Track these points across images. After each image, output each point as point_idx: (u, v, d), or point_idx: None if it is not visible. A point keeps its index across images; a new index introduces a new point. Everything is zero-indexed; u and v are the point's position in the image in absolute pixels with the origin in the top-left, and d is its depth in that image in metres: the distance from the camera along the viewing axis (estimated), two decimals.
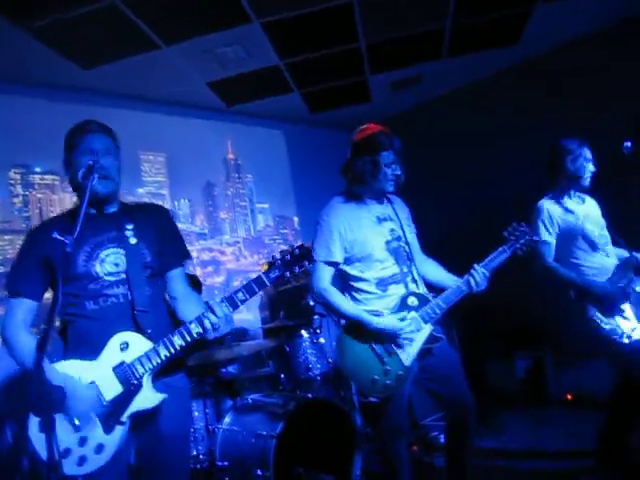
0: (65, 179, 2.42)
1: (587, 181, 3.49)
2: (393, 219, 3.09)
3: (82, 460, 2.05)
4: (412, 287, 2.98)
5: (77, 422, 2.05)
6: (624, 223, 3.56)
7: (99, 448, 2.08)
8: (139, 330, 2.25)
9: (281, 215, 7.06)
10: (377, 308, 2.91)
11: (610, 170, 3.53)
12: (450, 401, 2.97)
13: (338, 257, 2.95)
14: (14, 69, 4.70)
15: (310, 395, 3.89)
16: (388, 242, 2.98)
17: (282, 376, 4.36)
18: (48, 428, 1.77)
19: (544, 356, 5.44)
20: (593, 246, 3.44)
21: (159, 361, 2.20)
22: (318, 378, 4.46)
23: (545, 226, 3.47)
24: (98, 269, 2.26)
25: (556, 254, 3.49)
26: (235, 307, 2.31)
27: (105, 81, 5.22)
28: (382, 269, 2.95)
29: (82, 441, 2.06)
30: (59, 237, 2.13)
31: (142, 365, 2.18)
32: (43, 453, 1.87)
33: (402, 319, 2.86)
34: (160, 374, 2.28)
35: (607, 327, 3.23)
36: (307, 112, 6.96)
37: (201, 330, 2.24)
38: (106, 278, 2.26)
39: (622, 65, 5.19)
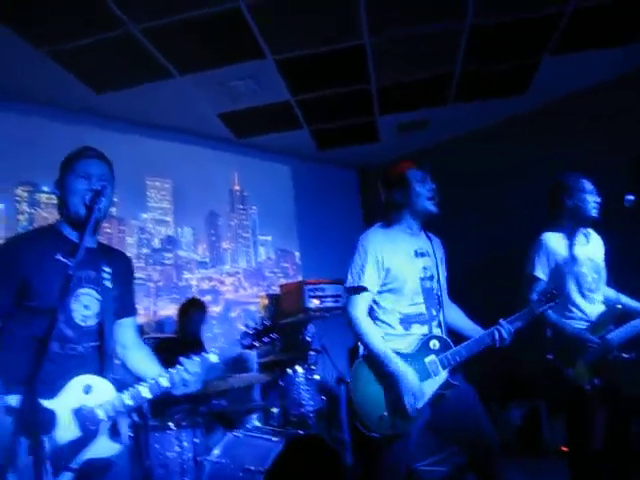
0: None
1: (592, 212, 3.37)
2: (430, 256, 3.01)
3: None
4: (436, 332, 2.91)
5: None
6: (623, 271, 3.51)
7: None
8: (105, 375, 2.18)
9: (283, 249, 7.08)
10: (397, 346, 2.82)
11: (613, 219, 3.48)
12: (470, 440, 2.86)
13: (372, 283, 2.87)
14: (30, 88, 4.79)
15: (301, 432, 3.85)
16: (422, 279, 2.92)
17: (274, 410, 4.32)
18: (37, 451, 1.74)
19: (539, 405, 5.39)
20: (582, 291, 3.37)
21: (121, 410, 2.11)
22: (311, 415, 4.42)
23: (540, 262, 3.37)
24: (73, 306, 2.17)
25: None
26: (207, 367, 2.27)
27: (117, 106, 5.32)
28: (410, 305, 2.89)
29: None
30: (62, 259, 2.12)
31: (104, 411, 2.08)
32: None
33: (422, 364, 2.80)
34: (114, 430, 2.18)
35: (571, 374, 3.23)
36: (315, 149, 7.03)
37: (169, 385, 2.19)
38: (77, 321, 2.17)
39: (629, 115, 5.28)
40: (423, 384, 2.76)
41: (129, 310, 2.48)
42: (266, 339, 2.45)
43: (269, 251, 6.95)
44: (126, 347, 2.44)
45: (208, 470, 3.64)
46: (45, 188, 5.03)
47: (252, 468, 3.39)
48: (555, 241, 3.39)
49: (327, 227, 7.38)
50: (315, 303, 5.93)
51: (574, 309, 3.37)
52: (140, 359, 2.42)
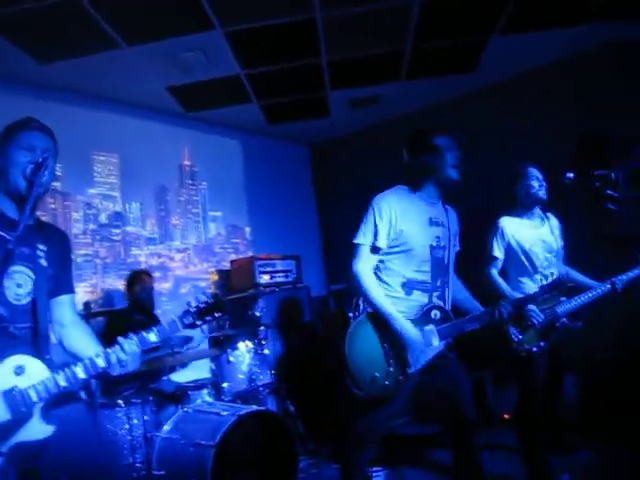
0: None
1: (539, 194, 3.68)
2: (445, 226, 3.03)
3: None
4: (436, 302, 2.95)
5: None
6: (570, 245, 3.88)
7: None
8: (38, 355, 2.10)
9: (233, 224, 7.04)
10: (399, 309, 2.84)
11: (556, 196, 3.73)
12: (447, 411, 2.91)
13: (382, 243, 2.88)
14: None
15: (252, 406, 3.88)
16: (433, 247, 2.94)
17: (225, 386, 4.33)
18: None
19: (484, 375, 5.53)
20: (534, 268, 3.69)
21: (55, 391, 2.03)
22: (261, 389, 4.45)
23: (497, 242, 3.72)
24: (6, 284, 2.09)
25: (505, 269, 3.76)
26: (145, 346, 2.20)
27: (61, 77, 5.14)
28: (415, 271, 2.91)
29: None
30: (2, 233, 2.07)
31: (37, 393, 2.00)
32: None
33: (421, 330, 2.83)
34: (53, 405, 2.13)
35: (521, 338, 3.49)
36: (265, 124, 6.98)
37: (105, 365, 2.12)
38: (10, 300, 2.11)
39: (575, 95, 5.42)
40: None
41: (65, 288, 2.40)
42: (209, 318, 2.33)
43: (219, 227, 6.89)
44: (63, 325, 2.37)
45: (158, 446, 3.64)
46: None
47: (202, 443, 3.40)
48: (509, 224, 3.74)
49: (278, 203, 7.38)
50: (265, 279, 5.95)
51: (527, 283, 3.70)
52: (77, 338, 2.35)
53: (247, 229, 7.19)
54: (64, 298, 2.39)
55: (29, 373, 2.03)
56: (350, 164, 7.29)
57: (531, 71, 5.86)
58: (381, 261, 2.95)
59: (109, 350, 2.14)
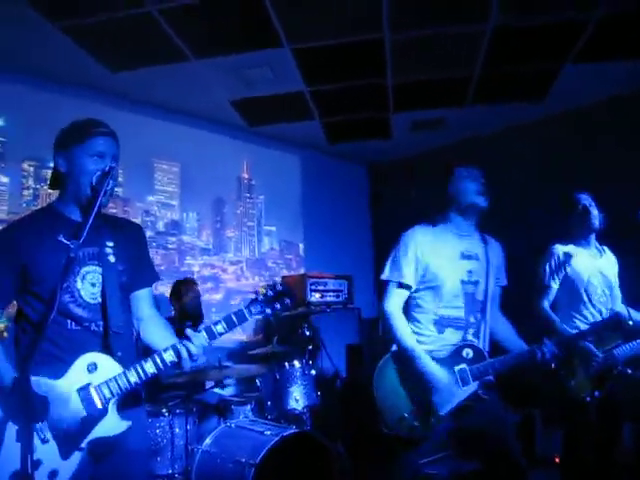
0: None
1: (593, 223, 3.48)
2: (479, 260, 2.87)
3: None
4: (471, 340, 2.80)
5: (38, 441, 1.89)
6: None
7: (52, 474, 1.91)
8: (109, 352, 2.11)
9: (287, 240, 7.04)
10: (428, 348, 2.73)
11: (624, 232, 3.49)
12: (494, 458, 2.67)
13: (410, 280, 2.79)
14: (42, 64, 4.75)
15: (294, 426, 3.82)
16: (463, 282, 2.80)
17: (269, 403, 4.29)
18: (27, 437, 1.69)
19: (534, 414, 5.33)
20: (591, 302, 3.47)
21: (128, 387, 2.05)
22: (305, 410, 4.38)
23: (551, 271, 3.52)
24: (80, 286, 2.12)
25: (557, 301, 3.55)
26: (213, 338, 2.17)
27: (130, 86, 5.28)
28: (445, 307, 2.79)
29: (35, 464, 1.83)
30: (64, 241, 2.07)
31: (110, 389, 2.03)
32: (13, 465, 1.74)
33: (451, 370, 2.71)
34: (128, 402, 2.14)
35: (572, 384, 3.31)
36: (326, 142, 6.99)
37: (176, 359, 2.11)
38: (87, 300, 2.13)
39: None
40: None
41: (141, 282, 2.39)
42: (278, 305, 2.28)
43: (273, 242, 6.91)
44: (141, 319, 2.37)
45: (198, 459, 3.61)
46: (52, 164, 4.97)
47: (243, 460, 3.35)
48: (564, 252, 3.52)
49: (333, 222, 7.34)
50: (316, 297, 5.89)
51: (582, 320, 3.46)
52: (154, 332, 2.34)
53: (301, 245, 7.17)
54: (141, 292, 2.39)
55: (101, 370, 2.06)
56: (408, 187, 7.21)
57: (599, 103, 5.69)
58: (412, 298, 2.85)
59: (178, 344, 2.12)
